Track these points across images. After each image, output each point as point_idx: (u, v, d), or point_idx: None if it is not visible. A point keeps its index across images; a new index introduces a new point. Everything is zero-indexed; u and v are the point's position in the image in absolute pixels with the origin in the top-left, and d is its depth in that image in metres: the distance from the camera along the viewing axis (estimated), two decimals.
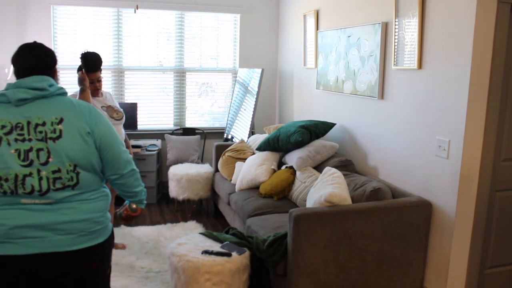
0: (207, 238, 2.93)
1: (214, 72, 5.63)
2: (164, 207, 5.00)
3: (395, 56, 3.21)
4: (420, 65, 2.96)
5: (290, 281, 2.62)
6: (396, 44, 3.20)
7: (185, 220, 4.54)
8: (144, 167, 4.94)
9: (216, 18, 5.53)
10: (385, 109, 3.37)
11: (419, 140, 3.00)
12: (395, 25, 3.19)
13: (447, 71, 2.72)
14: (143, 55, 5.34)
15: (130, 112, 5.12)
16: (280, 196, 3.66)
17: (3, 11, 4.83)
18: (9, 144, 1.62)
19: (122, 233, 4.03)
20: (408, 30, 3.06)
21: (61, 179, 1.66)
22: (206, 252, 2.68)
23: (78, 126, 1.69)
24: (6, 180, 1.61)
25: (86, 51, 3.33)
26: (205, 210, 4.96)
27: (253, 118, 4.86)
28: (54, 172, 1.65)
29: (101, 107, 3.45)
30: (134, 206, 2.05)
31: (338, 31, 3.99)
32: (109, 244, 1.86)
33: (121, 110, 3.57)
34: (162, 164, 5.44)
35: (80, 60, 3.31)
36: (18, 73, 1.73)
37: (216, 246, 2.78)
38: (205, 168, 4.73)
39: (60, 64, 5.11)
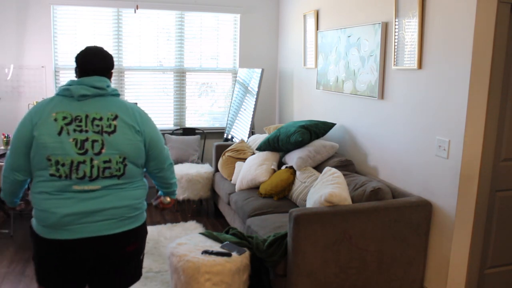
0: (207, 238, 2.93)
1: (214, 72, 5.63)
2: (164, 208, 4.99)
3: (395, 56, 3.21)
4: (420, 65, 2.96)
5: (290, 281, 2.62)
6: (396, 44, 3.20)
7: (185, 220, 4.54)
8: None
9: (216, 18, 5.53)
10: (385, 109, 3.37)
11: (419, 140, 3.00)
12: (395, 25, 3.19)
13: (447, 71, 2.72)
14: (143, 55, 5.34)
15: None
16: (280, 196, 3.66)
17: (3, 11, 4.83)
18: (68, 133, 1.81)
19: None
20: (408, 30, 3.06)
21: (110, 168, 1.85)
22: (206, 252, 2.68)
23: (130, 124, 1.89)
24: (63, 165, 1.79)
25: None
26: (205, 210, 4.96)
27: (253, 118, 4.86)
28: (105, 162, 1.84)
29: None
30: (168, 199, 2.25)
31: (338, 31, 3.99)
32: (143, 230, 2.05)
33: None
34: None
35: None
36: (81, 72, 1.94)
37: (216, 246, 2.78)
38: (205, 168, 4.72)
39: (60, 64, 5.12)
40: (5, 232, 4.09)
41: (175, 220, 4.54)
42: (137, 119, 1.93)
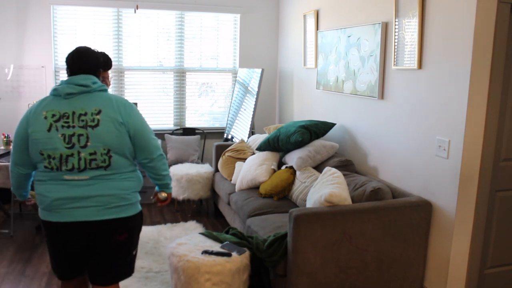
0: (207, 238, 2.93)
1: (214, 72, 5.63)
2: (164, 207, 4.99)
3: (395, 56, 3.21)
4: (420, 65, 2.96)
5: (290, 281, 2.62)
6: (396, 44, 3.20)
7: (185, 220, 4.54)
8: None
9: (216, 18, 5.53)
10: (385, 109, 3.37)
11: (419, 140, 3.00)
12: (395, 25, 3.19)
13: (447, 71, 2.72)
14: (143, 55, 5.34)
15: None
16: (280, 196, 3.66)
17: (3, 11, 4.83)
18: (57, 129, 1.98)
19: None
20: (408, 30, 3.06)
21: (96, 160, 1.99)
22: (206, 252, 2.68)
23: (112, 117, 2.01)
24: (54, 158, 1.98)
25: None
26: (205, 210, 4.96)
27: (253, 118, 4.86)
28: (90, 154, 1.99)
29: None
30: (163, 194, 2.33)
31: (338, 31, 3.99)
32: (134, 221, 2.15)
33: None
34: None
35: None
36: (70, 72, 2.09)
37: (216, 246, 2.78)
38: (205, 168, 4.72)
39: (60, 64, 5.12)
40: (5, 232, 4.09)
41: (175, 220, 4.54)
42: (121, 111, 2.04)
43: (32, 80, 5.00)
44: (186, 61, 5.49)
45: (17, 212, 4.61)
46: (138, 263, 3.44)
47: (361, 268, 2.74)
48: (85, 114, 1.99)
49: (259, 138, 4.61)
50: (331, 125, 3.88)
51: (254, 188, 3.93)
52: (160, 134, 5.42)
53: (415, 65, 2.99)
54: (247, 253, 2.74)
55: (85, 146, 1.98)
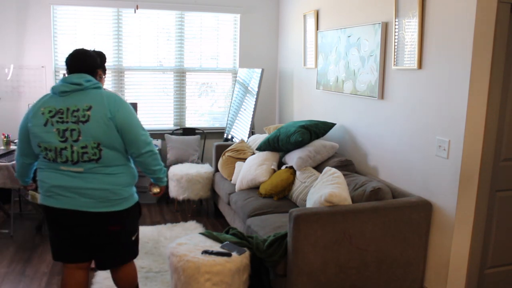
0: (207, 238, 2.92)
1: (214, 72, 5.63)
2: (164, 207, 5.00)
3: (395, 56, 3.21)
4: (420, 65, 2.96)
5: (290, 281, 2.62)
6: (396, 44, 3.20)
7: (185, 220, 4.54)
8: None
9: (216, 18, 5.53)
10: (385, 109, 3.37)
11: (419, 140, 3.00)
12: (395, 25, 3.19)
13: (447, 71, 2.72)
14: (143, 55, 5.34)
15: None
16: (280, 196, 3.66)
17: (3, 11, 4.83)
18: (52, 124, 2.15)
19: None
20: (408, 30, 3.06)
21: (87, 153, 2.15)
22: (206, 252, 2.68)
23: (101, 112, 2.14)
24: (50, 150, 2.16)
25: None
26: (205, 210, 4.96)
27: (253, 118, 4.86)
28: (82, 147, 2.14)
29: None
30: (155, 189, 2.50)
31: (338, 31, 3.99)
32: (128, 214, 2.30)
33: None
34: None
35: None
36: (69, 72, 2.27)
37: (216, 246, 2.78)
38: (205, 168, 4.72)
39: (60, 64, 5.11)
40: (5, 232, 4.09)
41: (175, 220, 4.54)
42: (110, 107, 2.17)
43: (32, 80, 5.00)
44: (186, 61, 5.49)
45: (17, 212, 4.61)
46: (138, 263, 3.44)
47: (361, 268, 2.74)
48: (78, 110, 2.14)
49: (259, 138, 4.61)
50: (331, 125, 3.88)
51: (254, 188, 3.93)
52: (160, 134, 5.42)
53: (415, 65, 2.99)
54: (247, 253, 2.74)
55: (77, 140, 2.13)
